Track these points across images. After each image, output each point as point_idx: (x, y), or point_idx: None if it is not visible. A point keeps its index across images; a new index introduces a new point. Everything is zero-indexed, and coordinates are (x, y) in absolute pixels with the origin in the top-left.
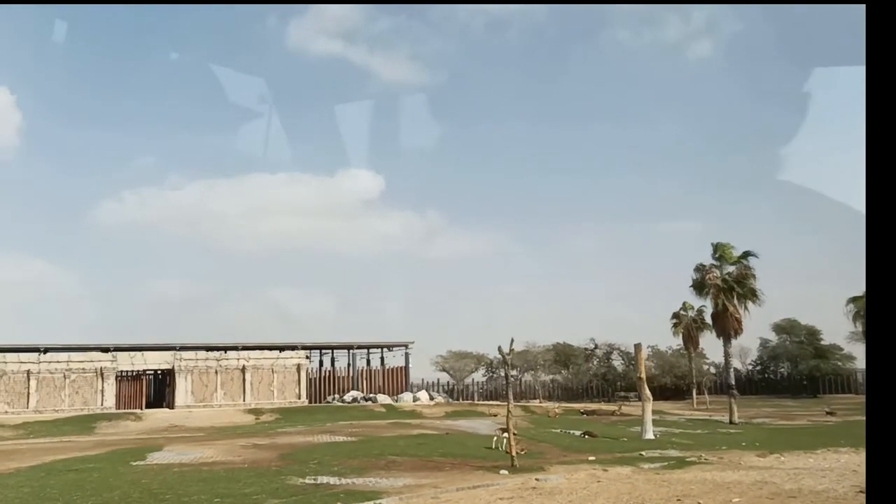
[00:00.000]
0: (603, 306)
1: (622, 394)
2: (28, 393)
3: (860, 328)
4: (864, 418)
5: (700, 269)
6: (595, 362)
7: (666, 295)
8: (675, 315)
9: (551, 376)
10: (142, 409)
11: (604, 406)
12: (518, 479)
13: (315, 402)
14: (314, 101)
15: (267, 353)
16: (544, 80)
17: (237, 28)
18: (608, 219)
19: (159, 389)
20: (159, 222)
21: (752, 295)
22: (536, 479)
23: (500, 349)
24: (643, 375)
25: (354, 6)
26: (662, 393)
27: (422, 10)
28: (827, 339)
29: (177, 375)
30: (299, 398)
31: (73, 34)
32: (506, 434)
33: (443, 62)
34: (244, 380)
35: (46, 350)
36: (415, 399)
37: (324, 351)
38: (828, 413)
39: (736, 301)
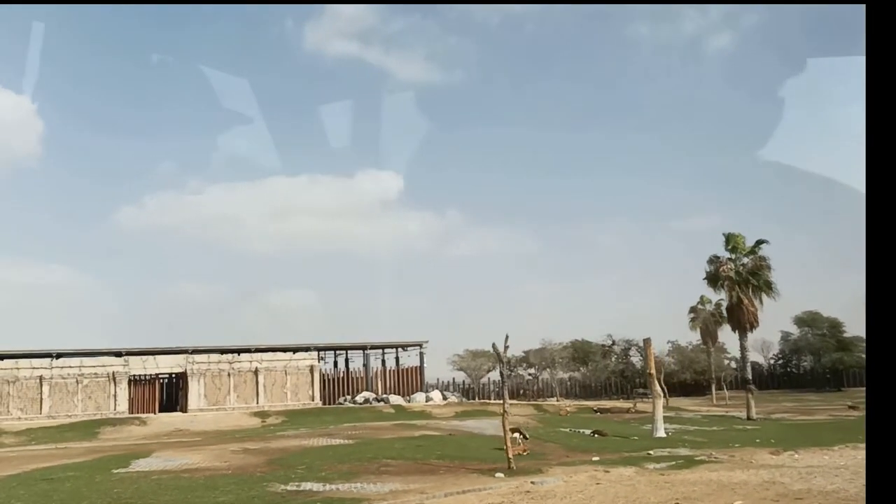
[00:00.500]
0: (622, 303)
1: (640, 390)
2: (41, 399)
3: None
4: None
5: (713, 261)
6: (613, 359)
7: (686, 290)
8: (693, 309)
9: (569, 374)
10: (155, 413)
11: (619, 404)
12: (513, 483)
13: (329, 404)
14: (332, 103)
15: (280, 354)
16: (561, 79)
17: (254, 32)
18: (626, 216)
19: (172, 393)
20: (179, 227)
21: (768, 287)
22: (532, 482)
23: (493, 346)
24: (653, 371)
25: (369, 7)
26: (682, 389)
27: (437, 9)
28: (850, 332)
29: (189, 379)
30: (313, 400)
31: (93, 42)
32: (517, 434)
33: (459, 61)
34: (257, 382)
35: (59, 355)
36: (427, 399)
37: (338, 352)
38: (850, 407)
39: (751, 293)
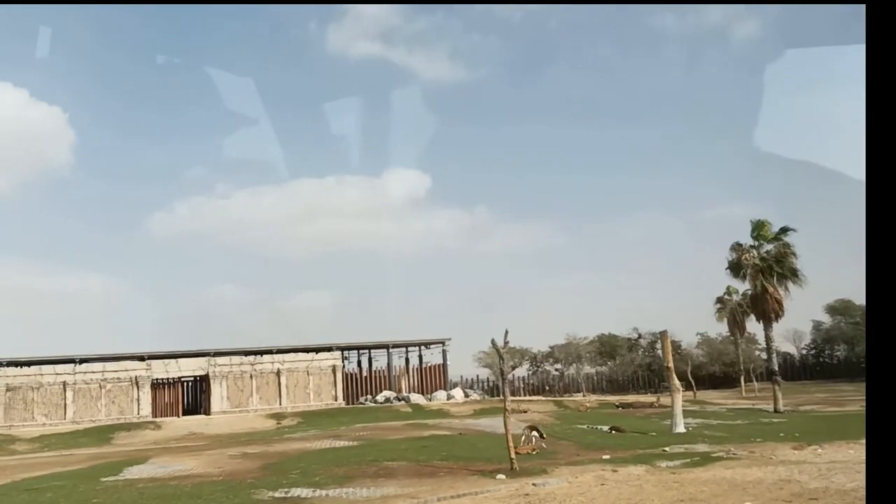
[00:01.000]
0: (650, 296)
1: (667, 384)
2: (65, 404)
3: None
4: None
5: (736, 248)
6: (640, 353)
7: (715, 281)
8: (719, 300)
9: (596, 369)
10: (178, 416)
11: (641, 398)
12: (513, 485)
13: (352, 404)
14: (356, 104)
15: (302, 355)
16: (585, 74)
17: (278, 34)
18: (653, 209)
19: (195, 396)
20: (209, 231)
21: (793, 274)
22: (533, 484)
23: (493, 342)
24: (671, 364)
25: (392, 7)
26: (711, 381)
27: (459, 7)
28: None
29: (212, 381)
30: (336, 400)
31: (120, 48)
32: (535, 432)
33: (482, 59)
34: (279, 383)
35: (81, 361)
36: (449, 397)
37: (361, 351)
38: None
39: (776, 281)
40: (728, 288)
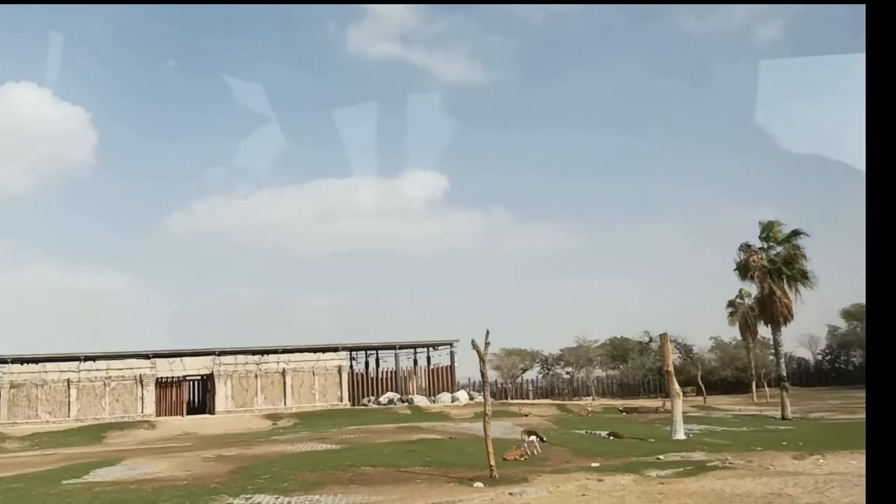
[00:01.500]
0: (667, 299)
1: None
2: (69, 402)
3: None
4: None
5: (745, 249)
6: (651, 356)
7: (730, 284)
8: (731, 303)
9: (607, 372)
10: (183, 415)
11: (647, 403)
12: (488, 494)
13: (357, 405)
14: (375, 105)
15: (308, 355)
16: (605, 77)
17: (298, 35)
18: (671, 213)
19: (200, 395)
20: (228, 231)
21: (803, 277)
22: (510, 494)
23: (473, 343)
24: (671, 368)
25: (411, 8)
26: (724, 386)
27: (478, 8)
28: None
29: (217, 381)
30: (341, 401)
31: (141, 48)
32: (533, 437)
33: (502, 60)
34: (284, 383)
35: (86, 358)
36: (453, 399)
37: (370, 352)
38: None
39: (785, 284)
40: (741, 291)
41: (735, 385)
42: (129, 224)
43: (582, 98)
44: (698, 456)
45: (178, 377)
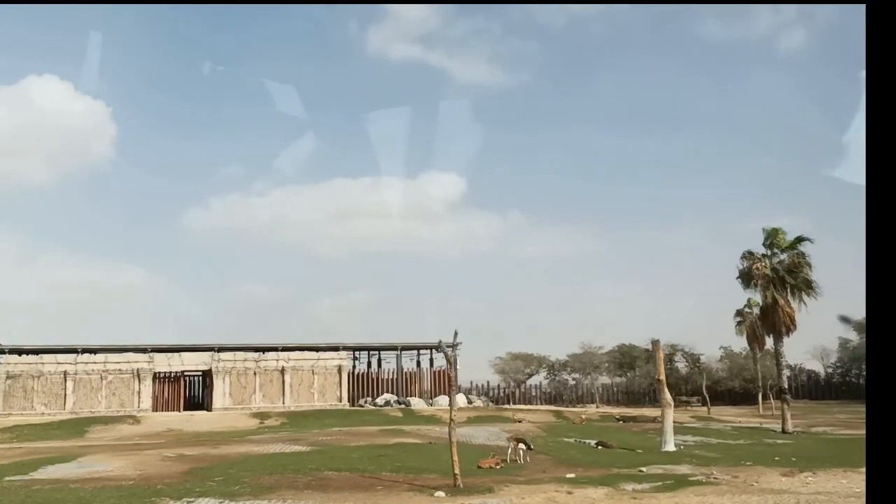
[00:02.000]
0: (679, 307)
1: (684, 398)
2: (65, 394)
3: None
4: None
5: (747, 256)
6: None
7: (741, 293)
8: (739, 312)
9: (614, 379)
10: (180, 411)
11: (645, 411)
12: None
13: (356, 405)
14: (394, 106)
15: (307, 354)
16: (626, 81)
17: (318, 35)
18: (689, 219)
19: (198, 391)
20: (245, 229)
21: (807, 286)
22: None
23: (440, 343)
24: (662, 377)
25: (432, 9)
26: (730, 397)
27: (500, 10)
28: None
29: (215, 377)
30: (340, 401)
31: (161, 45)
32: (521, 444)
33: (522, 63)
34: (283, 381)
35: (84, 351)
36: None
37: (372, 352)
38: None
39: (788, 294)
40: (749, 300)
41: (742, 396)
42: (147, 219)
43: (602, 102)
44: (683, 469)
45: (177, 372)
